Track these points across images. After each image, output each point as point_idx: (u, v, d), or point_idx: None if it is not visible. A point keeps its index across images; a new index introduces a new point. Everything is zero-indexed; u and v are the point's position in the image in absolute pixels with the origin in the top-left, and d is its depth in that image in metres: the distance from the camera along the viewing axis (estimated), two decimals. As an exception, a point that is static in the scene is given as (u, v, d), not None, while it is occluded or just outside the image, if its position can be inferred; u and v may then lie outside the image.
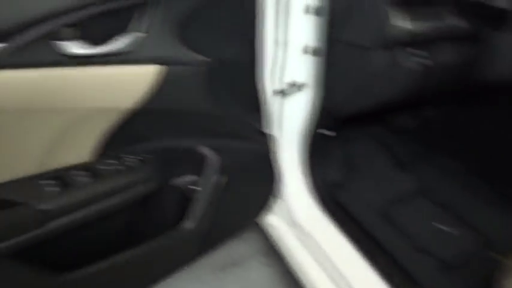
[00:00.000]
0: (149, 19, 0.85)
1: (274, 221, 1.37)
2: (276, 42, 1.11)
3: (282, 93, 1.19)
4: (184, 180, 1.10)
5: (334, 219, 1.29)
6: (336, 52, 1.17)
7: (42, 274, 0.84)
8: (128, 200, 0.91)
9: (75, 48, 0.78)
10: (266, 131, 1.19)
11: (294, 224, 1.31)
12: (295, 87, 1.19)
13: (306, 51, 1.15)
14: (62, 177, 0.85)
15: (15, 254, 0.79)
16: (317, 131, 1.33)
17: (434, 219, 1.39)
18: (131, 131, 0.95)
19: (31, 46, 0.73)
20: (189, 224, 1.05)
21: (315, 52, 1.15)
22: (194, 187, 1.09)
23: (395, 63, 1.19)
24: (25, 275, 0.81)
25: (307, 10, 1.09)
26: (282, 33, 1.10)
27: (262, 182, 1.24)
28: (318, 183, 1.36)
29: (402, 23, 1.16)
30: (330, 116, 1.32)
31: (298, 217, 1.31)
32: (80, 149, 0.91)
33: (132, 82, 0.88)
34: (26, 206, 0.78)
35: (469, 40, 1.34)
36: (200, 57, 0.93)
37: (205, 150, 1.08)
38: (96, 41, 0.80)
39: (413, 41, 1.20)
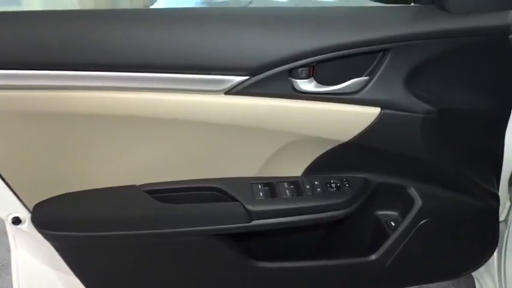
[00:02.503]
0: (380, 64, 0.87)
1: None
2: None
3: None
4: (385, 213, 1.11)
5: None
6: None
7: (242, 257, 1.03)
8: (325, 219, 0.99)
9: (308, 86, 0.87)
10: (492, 190, 1.07)
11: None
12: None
13: None
14: (272, 185, 1.00)
15: (226, 237, 0.99)
16: None
17: None
18: (340, 160, 1.01)
19: (272, 80, 0.86)
20: (376, 256, 1.07)
21: None
22: (393, 223, 1.09)
23: None
24: (229, 255, 1.02)
25: None
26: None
27: (472, 241, 1.13)
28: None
29: None
30: None
31: None
32: (293, 168, 1.03)
33: (352, 120, 0.92)
34: (241, 204, 0.96)
35: None
36: (425, 106, 0.90)
37: (413, 192, 1.05)
38: (326, 81, 0.88)
39: None
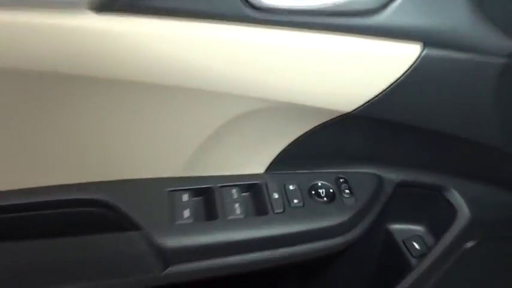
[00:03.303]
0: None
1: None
2: None
3: None
4: (403, 229, 0.67)
5: None
6: None
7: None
8: (308, 256, 0.55)
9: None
10: None
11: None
12: None
13: None
14: (209, 194, 0.54)
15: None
16: None
17: None
18: (336, 145, 0.56)
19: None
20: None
21: None
22: (416, 245, 0.65)
23: None
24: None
25: None
26: None
27: None
28: None
29: None
30: None
31: None
32: (250, 159, 0.56)
33: (363, 70, 0.47)
34: (145, 236, 0.49)
35: None
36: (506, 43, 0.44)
37: (456, 197, 0.62)
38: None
39: None
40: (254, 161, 0.57)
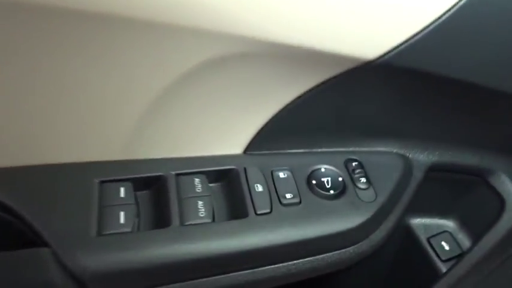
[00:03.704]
0: None
1: None
2: None
3: None
4: (429, 223, 0.51)
5: None
6: None
7: None
8: (307, 275, 0.38)
9: None
10: None
11: None
12: None
13: None
14: (160, 186, 0.36)
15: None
16: None
17: None
18: (348, 111, 0.39)
19: None
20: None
21: None
22: (446, 245, 0.49)
23: None
24: None
25: None
26: None
27: None
28: None
29: None
30: None
31: None
32: (223, 132, 0.38)
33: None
34: (52, 253, 0.31)
35: None
36: None
37: (505, 184, 0.45)
38: None
39: None
40: (228, 136, 0.39)
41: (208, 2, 0.29)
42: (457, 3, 0.32)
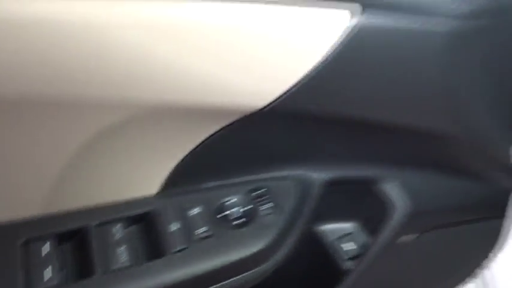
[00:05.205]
0: None
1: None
2: None
3: None
4: (333, 228, 0.58)
5: None
6: None
7: None
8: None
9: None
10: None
11: None
12: None
13: None
14: (82, 236, 0.39)
15: None
16: None
17: None
18: (247, 148, 0.44)
19: None
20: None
21: None
22: (352, 244, 0.57)
23: None
24: None
25: None
26: None
27: (486, 234, 0.67)
28: None
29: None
30: None
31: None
32: (138, 178, 0.42)
33: (279, 52, 0.35)
34: None
35: None
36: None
37: (393, 191, 0.53)
38: None
39: None
40: (143, 180, 0.42)
41: (85, 73, 0.32)
42: (338, 47, 0.36)
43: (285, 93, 0.38)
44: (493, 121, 0.48)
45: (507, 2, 0.41)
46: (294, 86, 0.37)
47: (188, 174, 0.44)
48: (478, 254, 0.66)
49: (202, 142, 0.41)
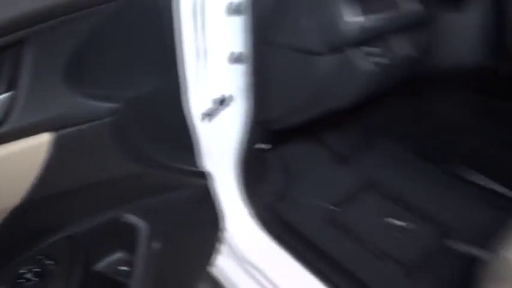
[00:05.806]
0: (22, 67, 0.57)
1: (220, 261, 1.14)
2: (197, 53, 0.82)
3: (209, 115, 0.91)
4: (112, 261, 0.83)
5: (281, 242, 1.06)
6: (269, 58, 0.90)
7: None
8: None
9: None
10: (201, 168, 0.94)
11: (239, 258, 1.08)
12: (224, 103, 0.93)
13: (231, 59, 0.88)
14: None
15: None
16: (253, 147, 1.08)
17: (386, 215, 1.22)
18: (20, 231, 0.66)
19: None
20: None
21: (242, 59, 0.88)
22: (124, 267, 0.83)
23: (348, 68, 0.96)
24: None
25: (229, 10, 0.81)
26: (201, 41, 0.81)
27: (207, 226, 1.00)
28: (258, 204, 1.11)
29: (353, 18, 0.92)
30: (265, 129, 1.08)
31: (242, 249, 1.07)
32: None
33: (12, 167, 0.58)
34: None
35: (424, 26, 1.13)
36: (105, 106, 0.66)
37: (132, 218, 0.81)
38: None
39: (367, 38, 0.97)
40: None
41: None
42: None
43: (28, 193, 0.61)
44: None
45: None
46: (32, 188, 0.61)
47: None
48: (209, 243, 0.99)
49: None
